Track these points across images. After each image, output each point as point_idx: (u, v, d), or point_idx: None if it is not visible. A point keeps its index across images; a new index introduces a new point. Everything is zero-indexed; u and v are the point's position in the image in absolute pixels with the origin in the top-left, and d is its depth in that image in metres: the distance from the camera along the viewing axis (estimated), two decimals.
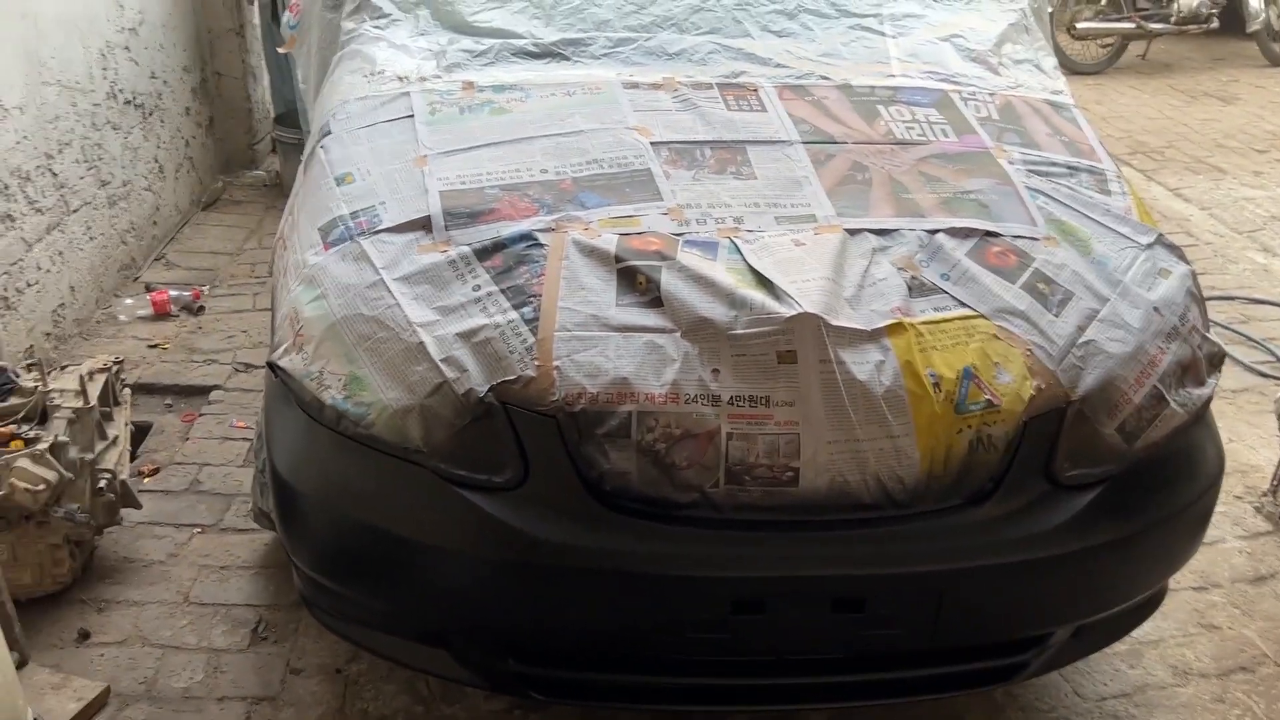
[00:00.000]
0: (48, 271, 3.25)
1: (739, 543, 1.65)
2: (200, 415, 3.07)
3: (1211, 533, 2.74)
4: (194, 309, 3.62)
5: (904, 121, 2.21)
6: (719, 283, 1.71)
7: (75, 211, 3.42)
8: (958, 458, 1.68)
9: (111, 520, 2.39)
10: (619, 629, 1.70)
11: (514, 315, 1.70)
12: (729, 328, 1.66)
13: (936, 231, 1.89)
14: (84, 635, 2.25)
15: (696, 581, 1.65)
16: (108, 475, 2.32)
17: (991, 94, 2.36)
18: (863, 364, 1.66)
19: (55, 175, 3.29)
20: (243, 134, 4.81)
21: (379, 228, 1.85)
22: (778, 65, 2.36)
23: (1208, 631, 2.44)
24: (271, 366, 1.83)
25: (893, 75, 2.39)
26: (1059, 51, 7.21)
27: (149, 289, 3.71)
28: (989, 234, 1.91)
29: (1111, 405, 1.75)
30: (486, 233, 1.82)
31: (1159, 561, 1.87)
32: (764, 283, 1.72)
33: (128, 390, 2.63)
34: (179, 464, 2.84)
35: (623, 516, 1.64)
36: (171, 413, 3.11)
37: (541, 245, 1.79)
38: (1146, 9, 7.35)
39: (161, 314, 3.58)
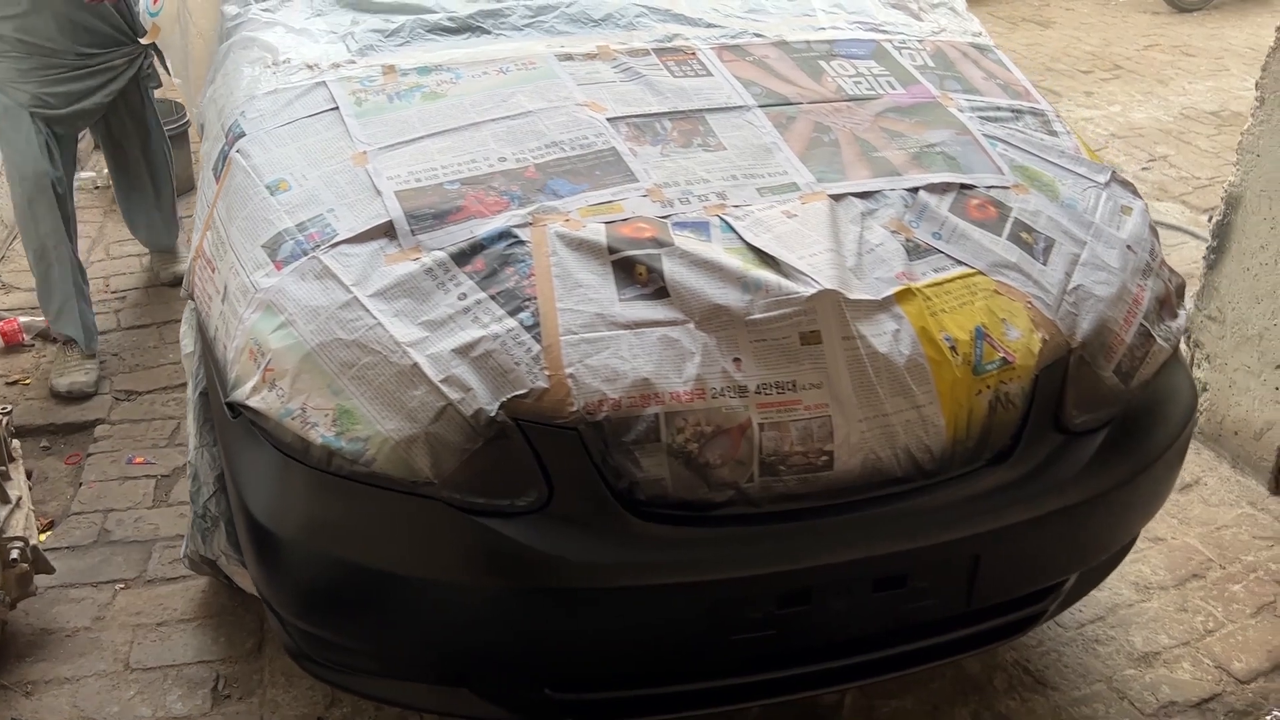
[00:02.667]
0: None
1: (779, 535, 1.58)
2: (88, 455, 2.75)
3: None
4: (50, 335, 3.24)
5: (849, 76, 2.15)
6: (726, 266, 1.61)
7: None
8: (979, 420, 1.67)
9: (25, 592, 2.11)
10: (667, 643, 1.61)
11: (512, 323, 1.56)
12: (746, 313, 1.58)
13: (917, 189, 1.85)
14: None
15: (741, 581, 1.58)
16: (19, 544, 2.04)
17: (920, 41, 2.34)
18: (881, 335, 1.61)
19: None
20: None
21: (336, 239, 1.66)
22: (709, 25, 2.26)
23: (1155, 544, 2.56)
24: (232, 407, 1.62)
25: (822, 28, 2.32)
26: None
27: None
28: (964, 187, 1.89)
29: (1107, 348, 1.76)
30: (459, 233, 1.66)
31: (1155, 495, 1.92)
32: (769, 261, 1.64)
33: (17, 441, 2.31)
34: (78, 514, 2.54)
35: (659, 526, 1.54)
36: (52, 455, 2.78)
37: (523, 242, 1.65)
38: None
39: (13, 345, 3.19)
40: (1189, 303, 2.91)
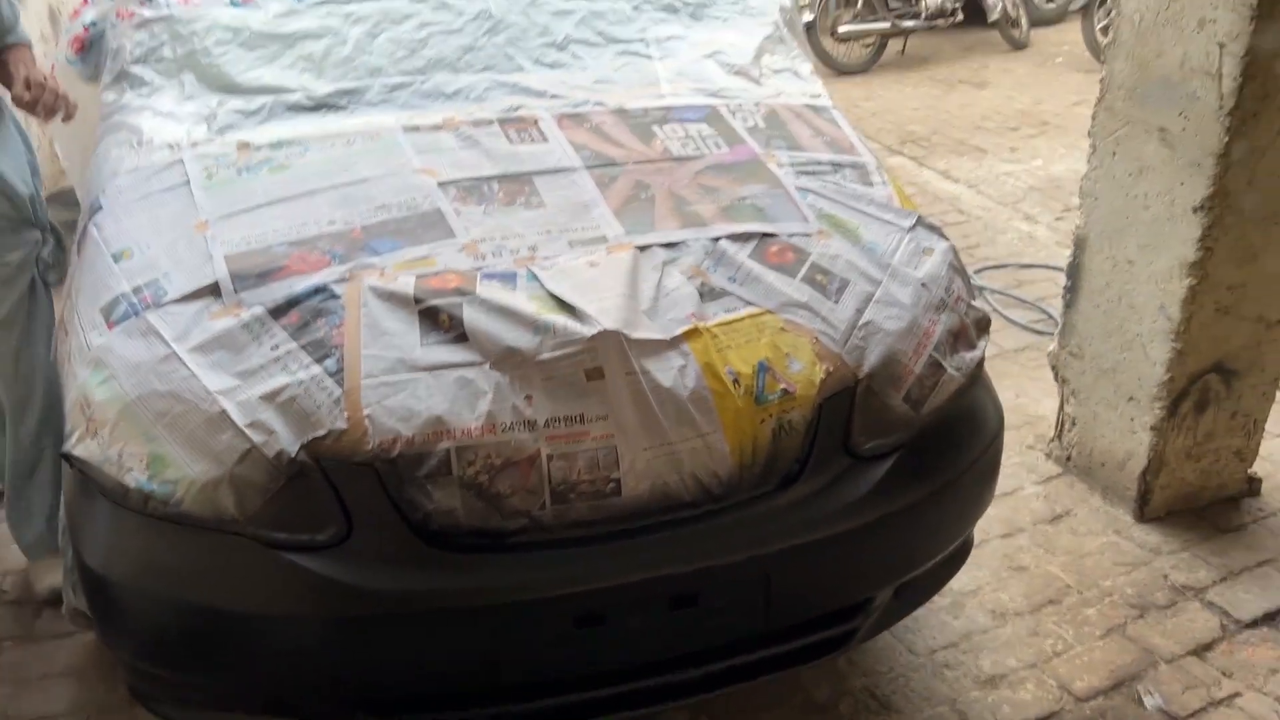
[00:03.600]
0: None
1: (571, 559, 1.69)
2: None
3: (1010, 482, 3.00)
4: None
5: (678, 138, 2.32)
6: (521, 311, 1.75)
7: None
8: (764, 446, 1.79)
9: None
10: (467, 665, 1.71)
11: (317, 370, 1.69)
12: (536, 353, 1.71)
13: (719, 238, 2.00)
14: None
15: (535, 604, 1.68)
16: None
17: (756, 104, 2.51)
18: (666, 370, 1.74)
19: None
20: None
21: (165, 300, 1.81)
22: (554, 96, 2.43)
23: (1017, 573, 2.65)
24: (66, 457, 1.75)
25: (663, 95, 2.50)
26: (826, 55, 7.72)
27: None
28: (766, 235, 2.03)
29: (895, 378, 1.89)
30: (279, 290, 1.80)
31: (958, 515, 2.03)
32: (565, 306, 1.78)
33: None
34: None
35: (453, 554, 1.66)
36: None
37: (337, 296, 1.79)
38: (898, 8, 7.89)
39: None
40: (1053, 342, 3.04)
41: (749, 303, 1.89)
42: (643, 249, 1.95)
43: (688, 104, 2.47)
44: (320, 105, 2.35)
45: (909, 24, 7.86)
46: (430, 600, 1.64)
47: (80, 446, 1.71)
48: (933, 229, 2.18)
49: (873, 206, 2.18)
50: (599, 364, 1.71)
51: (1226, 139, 2.36)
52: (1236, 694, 2.30)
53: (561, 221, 2.01)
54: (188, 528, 1.64)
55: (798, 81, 2.68)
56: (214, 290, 1.81)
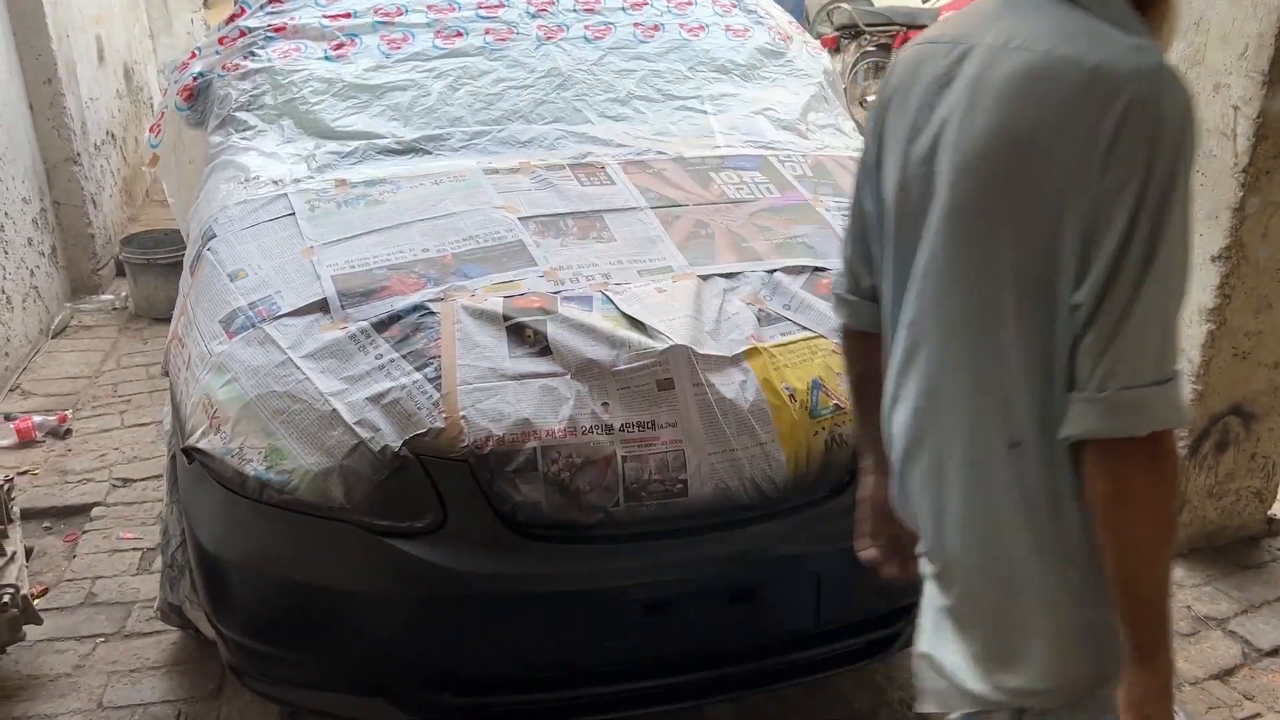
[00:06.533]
0: None
1: (641, 552, 1.86)
2: (84, 533, 3.06)
3: None
4: (60, 433, 3.59)
5: (733, 184, 2.53)
6: (599, 328, 1.95)
7: None
8: (817, 456, 1.96)
9: (15, 637, 2.39)
10: (547, 646, 1.87)
11: (417, 376, 1.89)
12: (613, 365, 1.90)
13: (774, 271, 2.20)
14: None
15: (609, 592, 1.85)
16: (11, 590, 2.34)
17: (804, 155, 2.73)
18: (729, 384, 1.93)
19: None
20: (87, 260, 4.80)
21: (279, 313, 2.02)
22: (619, 145, 2.66)
23: None
24: (188, 451, 1.94)
25: (718, 146, 2.72)
26: (856, 125, 8.00)
27: (8, 418, 3.66)
28: (818, 269, 2.23)
29: None
30: (381, 308, 2.01)
31: None
32: (637, 325, 1.98)
33: (18, 508, 2.63)
34: (69, 580, 2.83)
35: (537, 543, 1.83)
36: (51, 534, 3.09)
37: (434, 313, 2.00)
38: None
39: (27, 440, 3.54)
40: None
41: (803, 327, 2.08)
42: (705, 278, 2.15)
43: (741, 154, 2.69)
44: (408, 149, 2.59)
45: None
46: (515, 584, 1.81)
47: (204, 441, 1.90)
48: None
49: None
50: (669, 375, 1.90)
51: (1241, 194, 2.55)
52: (1258, 715, 2.41)
53: (631, 253, 2.22)
54: (300, 514, 1.83)
55: (841, 136, 2.91)
56: (322, 306, 2.02)
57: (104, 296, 4.79)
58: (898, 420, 1.31)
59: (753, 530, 1.91)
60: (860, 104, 8.00)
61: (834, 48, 8.27)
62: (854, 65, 8.03)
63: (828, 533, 1.94)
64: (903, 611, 2.08)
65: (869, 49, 8.06)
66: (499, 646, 1.86)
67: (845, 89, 7.88)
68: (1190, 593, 2.82)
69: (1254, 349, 2.76)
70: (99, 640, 2.60)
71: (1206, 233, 2.65)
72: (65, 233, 4.72)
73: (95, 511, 3.16)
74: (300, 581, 1.84)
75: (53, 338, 4.42)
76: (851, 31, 8.07)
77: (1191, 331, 2.74)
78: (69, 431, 3.62)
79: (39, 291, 4.38)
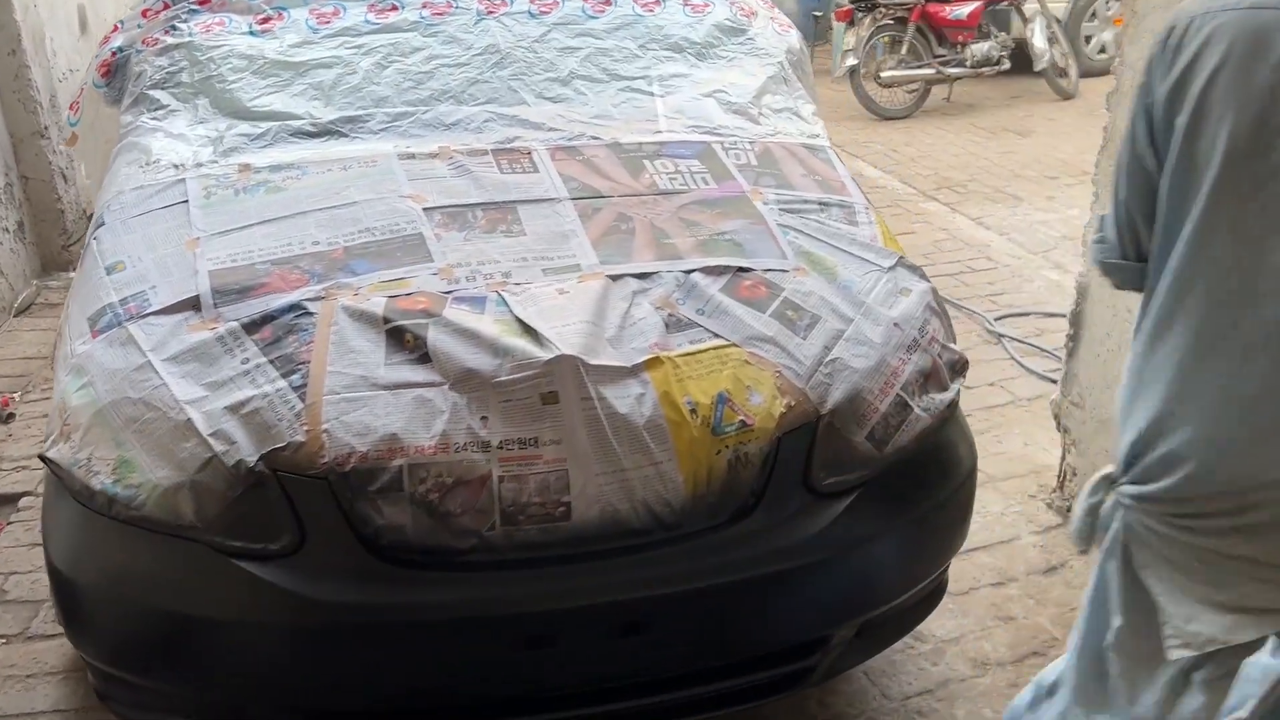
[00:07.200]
0: None
1: (520, 581, 1.71)
2: (9, 524, 2.96)
3: (1007, 530, 2.96)
4: (3, 416, 3.50)
5: (667, 173, 2.35)
6: (483, 334, 1.79)
7: None
8: (719, 477, 1.79)
9: None
10: (415, 681, 1.73)
11: (282, 384, 1.74)
12: (494, 376, 1.74)
13: (692, 271, 2.02)
14: None
15: (482, 623, 1.71)
16: None
17: (752, 142, 2.54)
18: (623, 398, 1.76)
19: None
20: (57, 236, 4.70)
21: (147, 310, 1.88)
22: (550, 129, 2.49)
23: (1004, 623, 2.61)
24: (43, 459, 1.82)
25: (659, 132, 2.54)
26: (869, 100, 7.75)
27: None
28: (741, 269, 2.05)
29: (859, 415, 1.89)
30: (256, 306, 1.86)
31: (925, 555, 2.01)
32: (528, 331, 1.81)
33: None
34: None
35: (402, 569, 1.68)
36: None
37: (311, 314, 1.85)
38: (943, 55, 7.90)
39: None
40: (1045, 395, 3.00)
41: (715, 335, 1.90)
42: (615, 279, 1.98)
43: (683, 140, 2.50)
44: (323, 131, 2.43)
45: (953, 71, 7.86)
46: (377, 614, 1.67)
47: (55, 449, 1.77)
48: (913, 270, 2.18)
49: (854, 246, 2.19)
50: (554, 388, 1.73)
51: None
52: None
53: (538, 249, 2.06)
54: (149, 532, 1.69)
55: (797, 121, 2.71)
56: (195, 304, 1.88)
57: (74, 274, 4.69)
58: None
59: (645, 557, 1.75)
60: (876, 80, 7.74)
61: (849, 21, 8.01)
62: (869, 39, 7.77)
63: (729, 561, 1.78)
64: (815, 645, 1.92)
65: (885, 22, 7.79)
66: (364, 679, 1.72)
67: (859, 65, 7.62)
68: None
69: None
70: (0, 642, 2.50)
71: None
72: (34, 208, 4.62)
73: (24, 502, 3.06)
74: (151, 605, 1.71)
75: (15, 315, 4.33)
76: (867, 5, 7.80)
77: None
78: (12, 415, 3.53)
79: (1, 269, 4.29)
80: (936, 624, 2.56)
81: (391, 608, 1.67)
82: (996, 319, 4.32)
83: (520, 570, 1.72)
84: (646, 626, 1.77)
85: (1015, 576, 2.78)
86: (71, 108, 2.80)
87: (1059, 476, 3.03)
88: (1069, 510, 2.97)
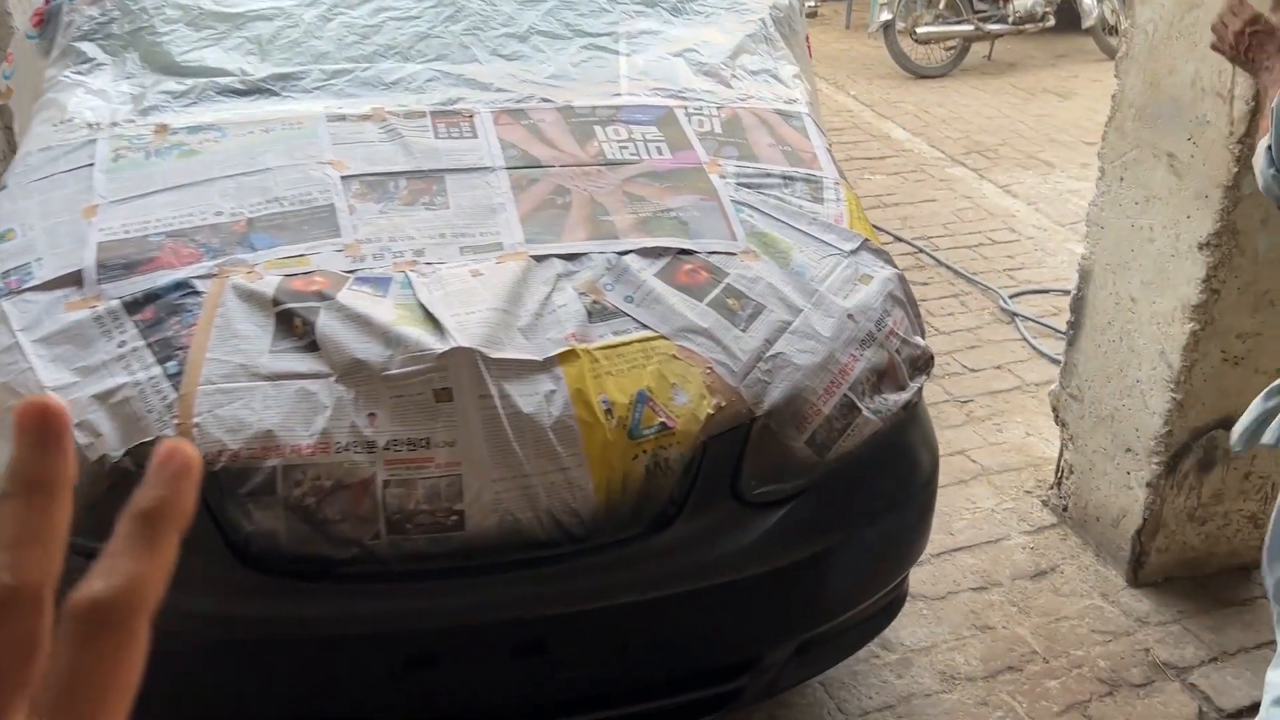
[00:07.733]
0: None
1: (402, 595, 1.56)
2: None
3: (996, 529, 2.76)
4: None
5: (618, 141, 2.16)
6: (376, 321, 1.62)
7: None
8: (635, 484, 1.62)
9: None
10: (285, 700, 1.59)
11: (156, 371, 1.59)
12: (384, 368, 1.58)
13: (626, 253, 1.83)
14: None
15: (359, 640, 1.56)
16: None
17: (719, 107, 2.32)
18: (530, 396, 1.59)
19: None
20: None
21: (27, 285, 1.73)
22: (499, 90, 2.29)
23: (981, 633, 2.42)
24: None
25: (619, 94, 2.33)
26: (904, 57, 7.40)
27: None
28: (684, 252, 1.86)
29: (799, 417, 1.70)
30: (141, 284, 1.71)
31: (874, 570, 1.83)
32: (430, 318, 1.65)
33: None
34: None
35: (274, 579, 1.54)
36: None
37: (199, 293, 1.69)
38: (984, 10, 7.52)
39: None
40: (1055, 381, 2.78)
41: (643, 325, 1.72)
42: (539, 259, 1.80)
43: (643, 104, 2.30)
44: (253, 90, 2.26)
45: (994, 27, 7.47)
46: (244, 627, 1.53)
47: None
48: (879, 254, 1.97)
49: (815, 226, 1.98)
50: (448, 384, 1.57)
51: (1235, 169, 2.09)
52: None
53: (460, 225, 1.88)
54: None
55: (775, 85, 2.49)
56: (77, 279, 1.73)
57: None
58: None
59: (546, 571, 1.59)
60: (912, 36, 7.39)
61: None
62: None
63: (641, 577, 1.62)
64: (744, 666, 1.76)
65: None
66: (228, 700, 1.59)
67: (893, 20, 7.27)
68: (1153, 632, 2.43)
69: (1249, 354, 2.31)
70: None
71: (1195, 215, 2.20)
72: None
73: None
74: None
75: None
76: None
77: (1172, 331, 2.30)
78: None
79: None
80: (907, 631, 2.39)
81: (260, 621, 1.53)
82: (1012, 296, 4.07)
83: (404, 584, 1.56)
84: (545, 647, 1.61)
85: (999, 581, 2.59)
86: (8, 58, 2.66)
87: (1057, 473, 2.82)
88: (1065, 510, 2.76)
